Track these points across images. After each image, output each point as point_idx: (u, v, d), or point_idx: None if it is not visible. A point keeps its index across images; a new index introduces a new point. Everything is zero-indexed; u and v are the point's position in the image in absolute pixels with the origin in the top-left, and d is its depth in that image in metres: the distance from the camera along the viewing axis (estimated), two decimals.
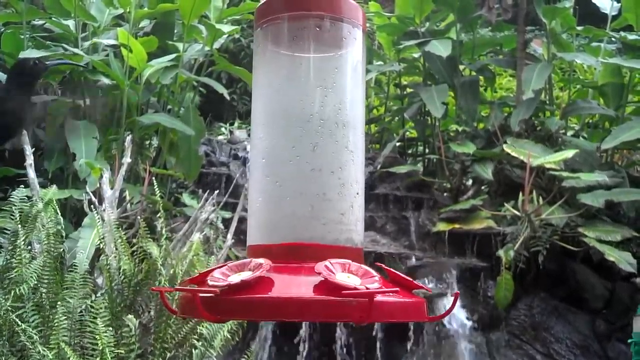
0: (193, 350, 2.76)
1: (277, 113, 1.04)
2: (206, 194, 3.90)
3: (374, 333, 4.59)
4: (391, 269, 1.01)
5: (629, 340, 3.36)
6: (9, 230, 2.69)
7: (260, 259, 0.92)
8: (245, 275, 0.89)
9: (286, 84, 1.05)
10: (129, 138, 3.82)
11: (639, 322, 3.28)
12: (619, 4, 6.08)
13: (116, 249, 2.81)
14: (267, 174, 1.02)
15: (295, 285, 0.93)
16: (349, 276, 0.89)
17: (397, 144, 6.88)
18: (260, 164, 1.04)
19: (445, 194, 6.21)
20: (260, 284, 0.88)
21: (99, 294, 2.69)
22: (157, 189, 3.34)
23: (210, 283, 0.89)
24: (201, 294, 0.87)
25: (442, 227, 5.40)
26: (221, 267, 0.94)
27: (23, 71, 1.03)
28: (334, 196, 1.01)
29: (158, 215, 3.08)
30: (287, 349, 4.55)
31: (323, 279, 0.86)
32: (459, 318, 4.80)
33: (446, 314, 1.00)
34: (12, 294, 2.45)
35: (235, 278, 0.89)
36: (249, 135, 7.51)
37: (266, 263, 0.91)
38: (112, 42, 5.06)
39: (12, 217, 2.70)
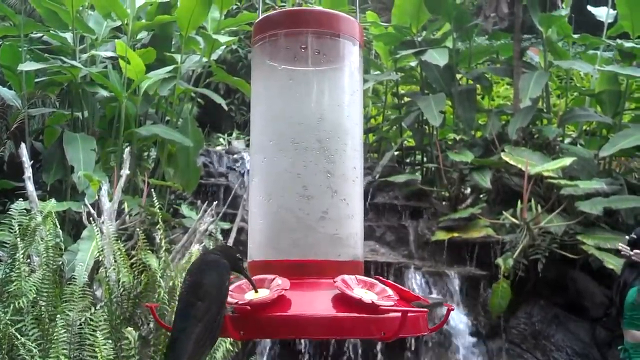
0: None
1: (335, 133, 1.04)
2: (205, 205, 3.90)
3: (373, 342, 4.58)
4: (389, 282, 1.00)
5: (619, 347, 3.37)
6: (8, 243, 2.68)
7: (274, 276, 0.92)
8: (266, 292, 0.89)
9: (286, 98, 1.05)
10: (127, 150, 3.83)
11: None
12: (615, 12, 6.11)
13: (115, 261, 2.80)
14: (335, 191, 1.01)
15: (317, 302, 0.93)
16: (366, 292, 0.90)
17: (395, 153, 6.89)
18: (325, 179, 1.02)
19: (443, 203, 6.21)
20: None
21: (98, 307, 2.68)
22: (155, 200, 3.34)
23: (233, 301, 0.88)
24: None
25: (441, 236, 5.40)
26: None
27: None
28: (360, 216, 1.06)
29: (157, 226, 3.08)
30: (288, 358, 4.54)
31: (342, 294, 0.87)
32: (459, 327, 4.79)
33: (439, 326, 1.02)
34: (12, 307, 2.45)
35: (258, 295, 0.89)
36: (247, 145, 7.51)
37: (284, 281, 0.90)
38: (110, 54, 5.07)
39: (11, 230, 2.69)
